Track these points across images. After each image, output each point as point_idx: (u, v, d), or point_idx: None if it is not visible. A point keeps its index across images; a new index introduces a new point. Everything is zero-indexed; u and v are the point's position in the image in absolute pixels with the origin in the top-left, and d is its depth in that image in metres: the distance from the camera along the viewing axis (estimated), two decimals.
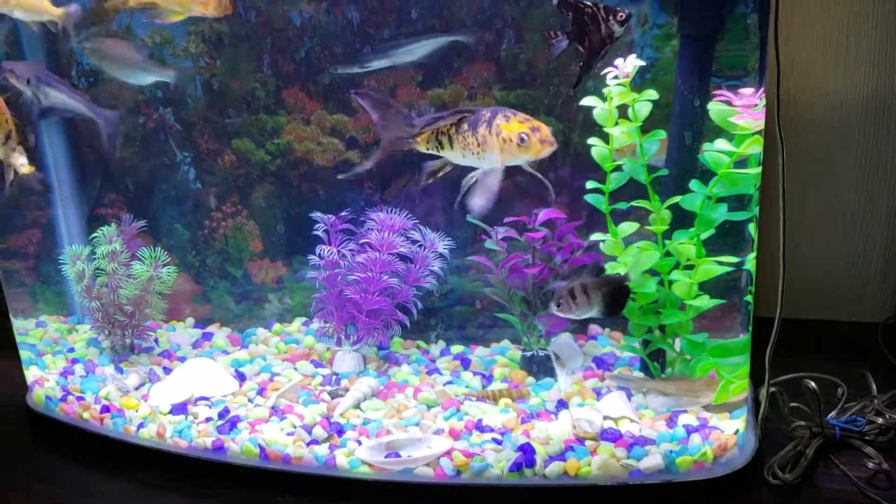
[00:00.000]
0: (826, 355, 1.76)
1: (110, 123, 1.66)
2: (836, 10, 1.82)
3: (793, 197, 1.88)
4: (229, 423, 1.51)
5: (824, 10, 1.83)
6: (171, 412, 1.56)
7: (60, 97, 1.61)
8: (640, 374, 1.56)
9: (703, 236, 1.38)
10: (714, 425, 1.38)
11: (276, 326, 1.87)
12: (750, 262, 1.36)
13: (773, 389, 1.38)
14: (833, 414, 1.48)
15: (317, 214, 1.68)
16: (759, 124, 1.27)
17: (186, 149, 1.79)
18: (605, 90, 1.33)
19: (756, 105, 1.26)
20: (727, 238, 1.37)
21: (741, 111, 1.26)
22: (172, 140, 1.78)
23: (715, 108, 1.31)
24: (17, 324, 1.78)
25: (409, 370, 1.68)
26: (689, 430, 1.37)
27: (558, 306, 1.38)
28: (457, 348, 1.77)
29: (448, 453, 1.38)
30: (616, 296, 1.38)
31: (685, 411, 1.42)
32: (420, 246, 1.69)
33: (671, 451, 1.33)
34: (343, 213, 1.68)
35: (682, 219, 1.40)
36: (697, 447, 1.33)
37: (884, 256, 1.91)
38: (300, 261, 1.80)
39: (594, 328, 1.75)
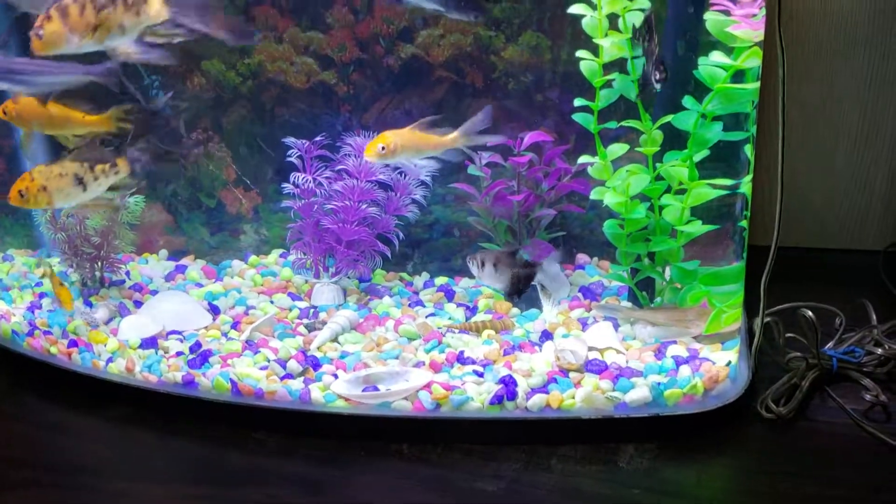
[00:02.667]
0: (825, 284, 1.70)
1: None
2: None
3: (793, 118, 1.81)
4: (201, 357, 1.45)
5: None
6: (140, 346, 1.50)
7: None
8: (629, 304, 1.50)
9: (697, 158, 1.30)
10: (705, 357, 1.32)
11: (253, 258, 1.80)
12: (745, 185, 1.28)
13: (767, 319, 1.32)
14: (830, 345, 1.42)
15: (290, 140, 1.60)
16: (759, 35, 1.17)
17: (154, 72, 1.69)
18: None
19: (755, 14, 1.16)
20: (722, 160, 1.29)
21: (739, 20, 1.16)
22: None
23: (712, 17, 1.21)
24: None
25: (390, 302, 1.62)
26: (679, 362, 1.31)
27: (469, 262, 1.53)
28: (441, 280, 1.70)
29: (427, 386, 1.32)
30: (517, 282, 1.47)
31: (675, 342, 1.36)
32: (401, 173, 1.60)
33: (659, 384, 1.27)
34: (318, 138, 1.60)
35: (676, 139, 1.31)
36: (687, 379, 1.27)
37: (888, 181, 1.83)
38: (276, 190, 1.72)
39: (582, 257, 1.68)
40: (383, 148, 1.43)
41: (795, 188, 1.83)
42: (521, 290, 1.49)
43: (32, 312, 1.63)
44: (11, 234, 1.82)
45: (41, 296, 1.68)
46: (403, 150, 1.46)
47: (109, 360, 1.48)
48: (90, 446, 1.40)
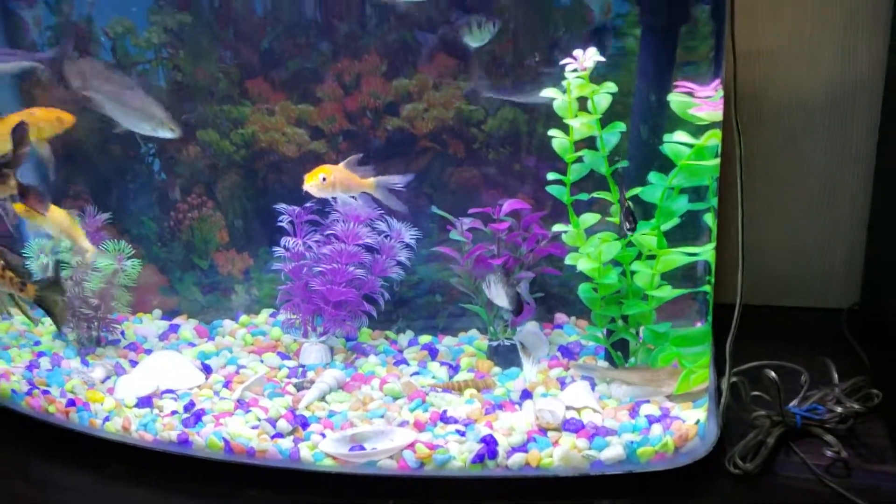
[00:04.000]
0: (791, 342, 1.77)
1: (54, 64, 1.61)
2: None
3: (758, 185, 1.91)
4: (194, 416, 1.50)
5: None
6: (136, 405, 1.55)
7: None
8: (605, 364, 1.57)
9: (665, 227, 1.38)
10: (676, 415, 1.39)
11: (243, 318, 1.86)
12: (708, 252, 1.37)
13: (734, 379, 1.39)
14: (795, 402, 1.49)
15: (281, 206, 1.68)
16: (718, 115, 1.27)
17: (150, 140, 1.77)
18: (563, 82, 1.33)
19: (713, 96, 1.26)
20: (687, 228, 1.37)
21: (700, 103, 1.26)
22: (137, 134, 1.76)
23: (676, 99, 1.31)
24: None
25: (376, 361, 1.68)
26: (651, 421, 1.38)
27: (485, 288, 1.57)
28: (425, 338, 1.77)
29: (411, 445, 1.38)
30: (513, 298, 1.53)
31: (648, 401, 1.43)
32: (386, 236, 1.68)
33: (632, 442, 1.34)
34: (308, 205, 1.67)
35: (645, 210, 1.40)
36: (659, 437, 1.34)
37: (848, 243, 1.92)
38: (267, 252, 1.79)
39: (560, 317, 1.76)
40: (324, 179, 1.56)
41: (762, 250, 1.92)
42: (518, 306, 1.54)
43: (31, 371, 1.68)
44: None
45: (39, 355, 1.73)
46: (339, 184, 1.58)
47: (106, 418, 1.53)
48: None
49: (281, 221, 1.68)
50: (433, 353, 1.71)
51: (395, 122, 1.70)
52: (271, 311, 1.87)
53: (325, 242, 1.68)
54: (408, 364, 1.67)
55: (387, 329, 1.79)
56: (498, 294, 1.54)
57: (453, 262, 1.64)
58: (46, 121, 1.52)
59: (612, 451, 1.33)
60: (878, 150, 1.84)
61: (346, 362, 1.68)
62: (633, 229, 1.35)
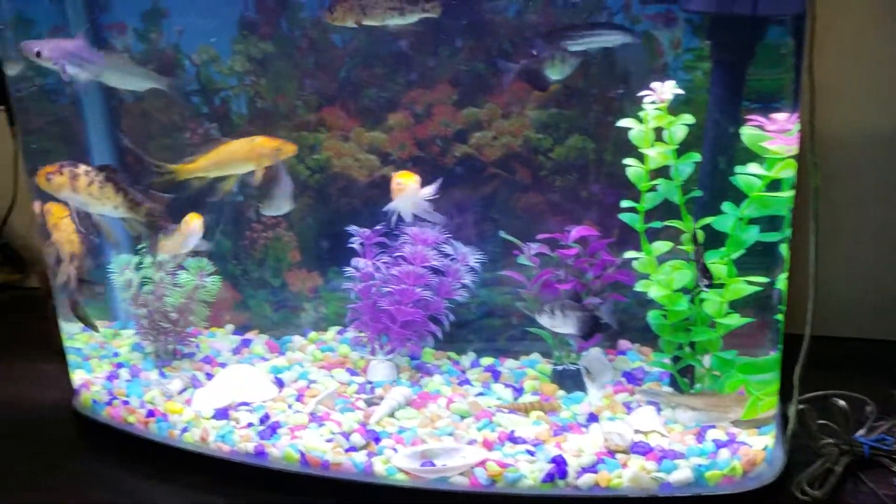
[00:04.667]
0: (857, 373, 1.78)
1: (175, 88, 1.71)
2: (867, 35, 1.85)
3: (825, 216, 1.92)
4: (270, 428, 1.56)
5: (856, 34, 1.85)
6: (213, 417, 1.61)
7: (106, 72, 1.62)
8: (670, 389, 1.60)
9: (734, 256, 1.41)
10: (743, 441, 1.41)
11: (312, 334, 1.92)
12: (781, 281, 1.40)
13: (801, 406, 1.41)
14: (862, 432, 1.50)
15: (353, 228, 1.73)
16: (793, 149, 1.30)
17: None
18: (641, 113, 1.37)
19: (790, 130, 1.29)
20: (760, 257, 1.40)
21: (773, 136, 1.30)
22: None
23: (748, 132, 1.34)
24: (65, 328, 1.84)
25: (440, 380, 1.73)
26: (719, 445, 1.41)
27: (539, 316, 1.57)
28: (487, 360, 1.81)
29: (482, 463, 1.42)
30: (586, 322, 1.53)
31: (714, 426, 1.46)
32: (452, 259, 1.73)
33: (700, 465, 1.36)
34: (378, 227, 1.73)
35: (715, 238, 1.44)
36: (726, 461, 1.36)
37: None
38: (335, 272, 1.85)
39: (623, 343, 1.79)
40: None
41: (829, 281, 1.92)
42: (591, 331, 1.54)
43: (111, 381, 1.75)
44: (90, 305, 1.95)
45: (119, 366, 1.81)
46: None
47: (185, 429, 1.59)
48: None
49: (352, 243, 1.74)
50: (496, 374, 1.74)
51: (462, 149, 1.75)
52: (338, 328, 1.93)
53: (394, 264, 1.73)
54: (471, 385, 1.71)
55: (452, 349, 1.83)
56: (564, 321, 1.55)
57: (520, 286, 1.68)
58: (270, 149, 1.61)
59: (681, 473, 1.35)
60: None
61: (411, 380, 1.73)
62: (709, 286, 1.39)
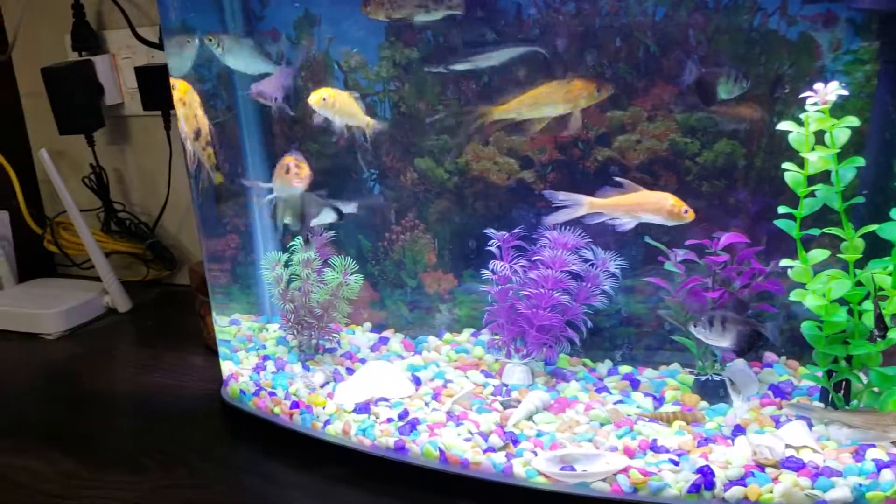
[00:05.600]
0: None
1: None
2: None
3: None
4: (409, 424, 1.58)
5: None
6: (354, 411, 1.65)
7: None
8: (821, 405, 1.53)
9: None
10: None
11: (446, 335, 1.95)
12: None
13: None
14: None
15: (490, 231, 1.75)
16: None
17: (373, 166, 1.90)
18: (802, 115, 1.32)
19: None
20: None
21: None
22: (361, 157, 1.90)
23: None
24: (217, 321, 1.93)
25: (577, 387, 1.71)
26: (880, 465, 1.33)
27: (695, 326, 1.53)
28: (625, 368, 1.78)
29: (625, 470, 1.40)
30: (747, 338, 1.49)
31: (873, 445, 1.38)
32: (591, 265, 1.72)
33: (860, 485, 1.29)
34: (516, 230, 1.74)
35: (876, 248, 1.37)
36: (890, 483, 1.29)
37: None
38: (470, 274, 1.87)
39: (769, 356, 1.72)
40: (325, 99, 1.69)
41: None
42: (752, 346, 1.51)
43: (258, 373, 1.83)
44: (237, 300, 2.05)
45: (265, 358, 1.88)
46: (340, 108, 1.69)
47: (327, 422, 1.64)
48: (308, 502, 1.54)
49: (490, 246, 1.75)
50: (634, 383, 1.72)
51: (605, 153, 1.74)
52: (472, 330, 1.94)
53: (532, 267, 1.73)
54: (609, 392, 1.69)
55: (585, 356, 1.82)
56: (722, 335, 1.51)
57: (665, 293, 1.65)
58: (585, 90, 1.63)
59: (839, 492, 1.29)
60: None
61: (547, 385, 1.72)
62: (882, 336, 1.35)
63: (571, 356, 1.82)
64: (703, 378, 1.64)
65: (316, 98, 1.70)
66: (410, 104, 1.84)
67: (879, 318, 1.33)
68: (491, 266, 1.75)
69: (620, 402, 1.65)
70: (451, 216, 1.89)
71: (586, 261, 1.71)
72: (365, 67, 1.84)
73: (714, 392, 1.61)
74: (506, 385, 1.74)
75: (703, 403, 1.61)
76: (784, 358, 1.71)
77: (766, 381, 1.65)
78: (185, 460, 1.67)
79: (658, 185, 1.72)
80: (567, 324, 1.74)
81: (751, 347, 1.52)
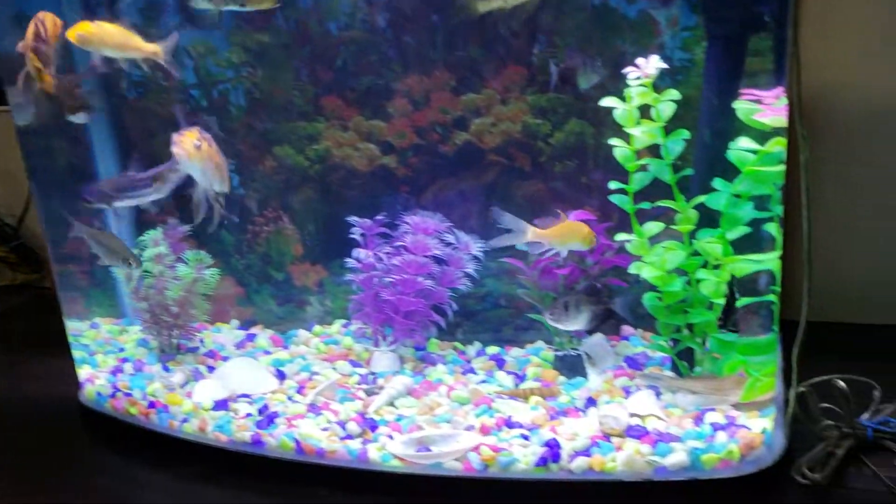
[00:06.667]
0: (866, 359, 1.72)
1: None
2: (873, 4, 1.80)
3: (836, 197, 1.88)
4: (267, 418, 1.56)
5: (861, 4, 1.81)
6: (213, 408, 1.62)
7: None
8: (671, 374, 1.57)
9: (731, 235, 1.38)
10: (742, 424, 1.38)
11: (317, 328, 1.92)
12: (772, 261, 1.36)
13: (802, 389, 1.37)
14: (866, 415, 1.46)
15: (353, 218, 1.73)
16: (782, 121, 1.27)
17: (229, 155, 1.86)
18: (625, 91, 1.35)
19: (777, 101, 1.26)
20: (752, 237, 1.37)
21: (764, 108, 1.27)
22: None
23: (741, 106, 1.32)
24: (71, 325, 1.87)
25: (444, 370, 1.72)
26: (716, 428, 1.37)
27: (551, 315, 1.55)
28: (493, 349, 1.79)
29: (476, 448, 1.40)
30: (599, 317, 1.54)
31: (713, 409, 1.43)
32: (454, 248, 1.72)
33: (697, 449, 1.33)
34: (379, 217, 1.73)
35: (711, 219, 1.41)
36: (724, 445, 1.33)
37: None
38: (340, 265, 1.85)
39: (627, 329, 1.76)
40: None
41: (838, 265, 1.88)
42: (598, 327, 1.57)
43: (115, 376, 1.77)
44: (98, 303, 1.99)
45: (123, 361, 1.82)
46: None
47: (184, 420, 1.60)
48: (164, 501, 1.50)
49: (353, 234, 1.73)
50: (500, 363, 1.73)
51: (462, 137, 1.74)
52: (344, 321, 1.92)
53: (396, 254, 1.72)
54: (475, 373, 1.70)
55: (455, 340, 1.82)
56: (576, 318, 1.55)
57: (520, 272, 1.67)
58: None
59: (676, 457, 1.32)
60: None
61: (415, 371, 1.72)
62: (722, 325, 1.41)
63: (442, 340, 1.82)
64: (561, 353, 1.66)
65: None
66: (264, 90, 1.80)
67: (728, 313, 1.37)
68: (354, 254, 1.74)
69: (484, 381, 1.65)
70: (316, 205, 1.87)
71: (448, 244, 1.72)
72: (215, 54, 1.80)
73: (572, 367, 1.64)
74: (374, 373, 1.73)
75: (562, 378, 1.63)
76: (641, 331, 1.75)
77: (623, 354, 1.68)
78: (40, 465, 1.61)
79: (514, 167, 1.74)
80: (433, 308, 1.74)
81: (603, 324, 1.56)
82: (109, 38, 1.54)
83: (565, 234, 1.51)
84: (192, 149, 1.50)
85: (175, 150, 1.50)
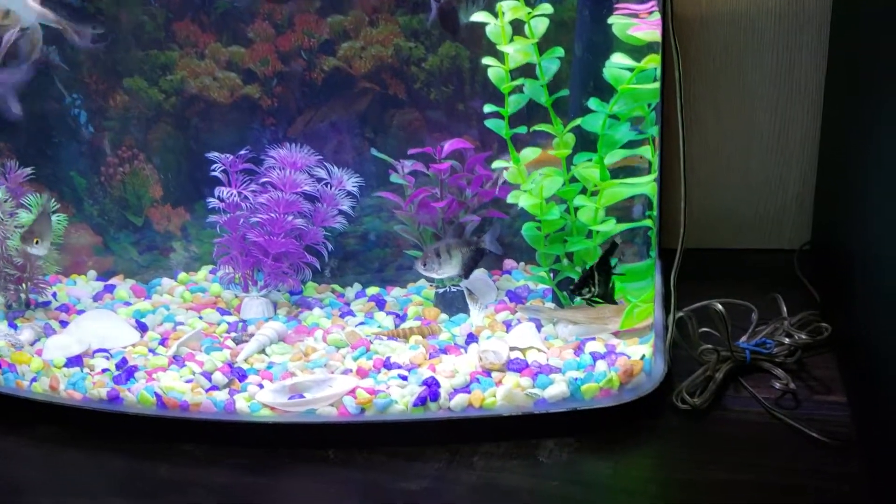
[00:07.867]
0: (743, 283, 1.73)
1: None
2: None
3: (708, 120, 1.87)
4: (126, 373, 1.44)
5: None
6: (66, 365, 1.48)
7: None
8: (552, 305, 1.53)
9: (608, 159, 1.34)
10: (621, 352, 1.36)
11: (182, 275, 1.80)
12: (647, 185, 1.32)
13: (681, 314, 1.36)
14: (744, 338, 1.46)
15: (213, 154, 1.60)
16: (656, 35, 1.22)
17: (75, 90, 1.69)
18: (497, 5, 1.27)
19: (651, 14, 1.21)
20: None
21: (638, 22, 1.21)
22: (59, 81, 1.68)
23: (617, 21, 1.26)
24: None
25: (321, 314, 1.63)
26: (596, 357, 1.35)
27: (424, 265, 1.52)
28: (373, 290, 1.72)
29: (352, 392, 1.33)
30: (471, 259, 1.51)
31: (594, 339, 1.40)
32: (327, 184, 1.62)
33: (576, 379, 1.30)
34: (242, 152, 1.60)
35: (587, 140, 1.36)
36: (603, 374, 1.30)
37: (800, 182, 1.89)
38: (204, 206, 1.72)
39: (509, 262, 1.71)
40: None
41: (713, 190, 1.88)
42: (476, 265, 1.53)
43: None
44: None
45: None
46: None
47: (33, 379, 1.46)
48: (17, 466, 1.37)
49: (214, 171, 1.61)
50: (381, 304, 1.66)
51: (331, 62, 1.63)
52: (212, 267, 1.80)
53: (262, 192, 1.61)
54: (354, 315, 1.62)
55: (334, 282, 1.73)
56: (449, 264, 1.51)
57: (396, 207, 1.59)
58: None
59: (556, 388, 1.29)
60: (826, 85, 1.81)
61: (289, 316, 1.63)
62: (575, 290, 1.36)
63: (320, 284, 1.73)
64: (442, 290, 1.60)
65: None
66: (109, 15, 1.63)
67: (583, 281, 1.34)
68: (217, 193, 1.62)
69: (362, 323, 1.58)
70: (174, 142, 1.72)
71: (321, 180, 1.62)
72: None
73: (453, 304, 1.58)
74: (244, 321, 1.62)
75: (444, 316, 1.57)
76: (523, 264, 1.70)
77: (505, 288, 1.64)
78: None
79: (388, 94, 1.64)
80: (307, 249, 1.64)
81: (476, 264, 1.52)
82: None
83: None
84: None
85: None
